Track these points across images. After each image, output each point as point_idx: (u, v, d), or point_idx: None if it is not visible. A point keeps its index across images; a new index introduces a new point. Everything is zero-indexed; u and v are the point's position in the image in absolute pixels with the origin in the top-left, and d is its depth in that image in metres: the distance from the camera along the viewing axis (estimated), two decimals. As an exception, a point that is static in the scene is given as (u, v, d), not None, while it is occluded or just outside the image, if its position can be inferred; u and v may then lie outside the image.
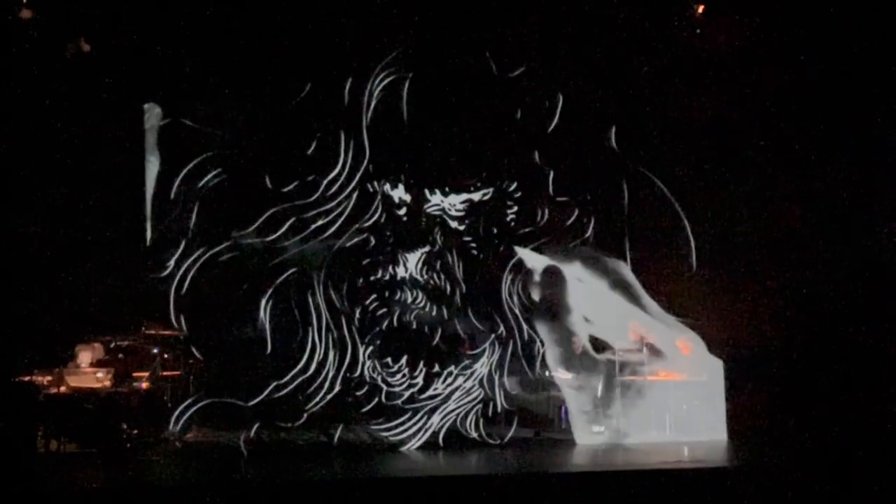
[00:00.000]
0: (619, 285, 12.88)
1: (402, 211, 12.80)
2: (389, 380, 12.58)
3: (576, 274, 12.90)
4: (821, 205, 13.95)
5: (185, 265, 12.24)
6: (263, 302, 12.32)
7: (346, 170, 12.47)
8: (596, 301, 12.93)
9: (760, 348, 13.61)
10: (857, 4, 13.49)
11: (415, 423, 12.57)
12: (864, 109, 13.76)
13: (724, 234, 13.77)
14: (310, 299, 12.42)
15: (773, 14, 13.60)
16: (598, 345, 13.01)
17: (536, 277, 12.88)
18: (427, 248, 12.80)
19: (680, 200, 13.30)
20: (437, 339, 12.79)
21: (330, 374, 12.38)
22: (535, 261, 12.89)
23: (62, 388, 12.23)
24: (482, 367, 12.86)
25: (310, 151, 12.41)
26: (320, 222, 12.43)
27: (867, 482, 10.97)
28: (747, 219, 14.03)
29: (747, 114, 13.77)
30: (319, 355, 12.36)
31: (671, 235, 13.33)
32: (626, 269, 12.95)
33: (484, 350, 12.86)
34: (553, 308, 12.73)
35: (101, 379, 12.39)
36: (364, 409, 12.51)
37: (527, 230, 13.03)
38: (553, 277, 12.78)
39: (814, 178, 13.86)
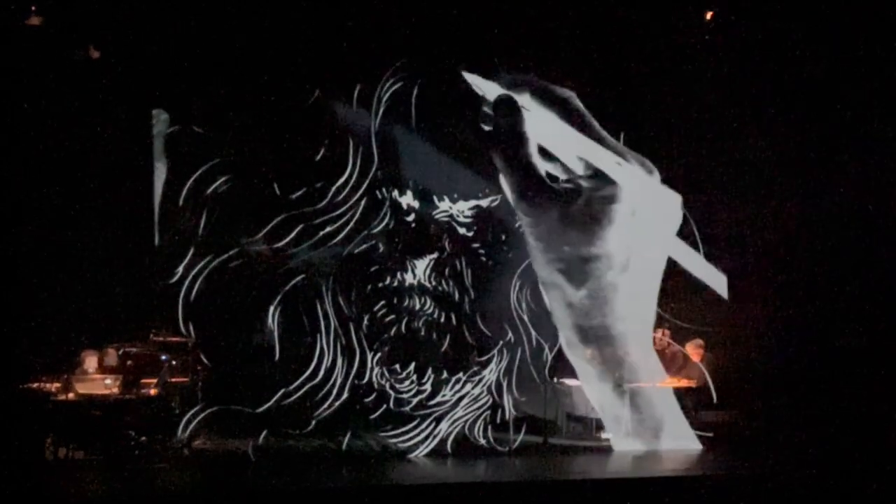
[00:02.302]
0: (570, 114, 12.32)
1: (411, 217, 12.78)
2: (398, 386, 12.57)
3: (524, 102, 12.31)
4: (821, 205, 13.92)
5: (194, 272, 12.23)
6: (272, 309, 12.32)
7: (355, 176, 12.46)
8: (546, 130, 12.39)
9: (760, 350, 13.61)
10: (857, 5, 13.48)
11: (423, 430, 12.55)
12: (863, 109, 13.74)
13: (727, 238, 13.75)
14: (318, 306, 12.42)
15: (777, 17, 13.58)
16: (554, 175, 12.52)
17: (487, 107, 12.35)
18: (435, 255, 12.79)
19: (686, 205, 13.27)
20: (445, 345, 12.79)
21: (338, 381, 12.37)
22: (487, 88, 12.39)
23: (70, 395, 12.22)
24: (490, 374, 12.84)
25: (318, 158, 12.41)
26: (328, 229, 12.42)
27: (868, 484, 10.95)
28: (751, 221, 14.02)
29: (752, 118, 13.75)
30: (328, 362, 12.36)
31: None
32: (576, 100, 12.40)
33: (492, 357, 12.84)
34: (508, 137, 12.17)
35: (109, 385, 12.36)
36: (372, 416, 12.49)
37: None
38: (506, 106, 12.21)
39: (814, 179, 13.85)
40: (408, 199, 12.77)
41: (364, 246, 12.60)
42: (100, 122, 12.77)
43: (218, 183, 12.28)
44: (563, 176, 12.41)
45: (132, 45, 12.63)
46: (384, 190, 12.67)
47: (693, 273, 12.76)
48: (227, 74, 12.41)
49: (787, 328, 13.72)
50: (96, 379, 12.46)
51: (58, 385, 12.27)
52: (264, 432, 12.15)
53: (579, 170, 12.32)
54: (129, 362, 12.79)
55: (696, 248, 13.08)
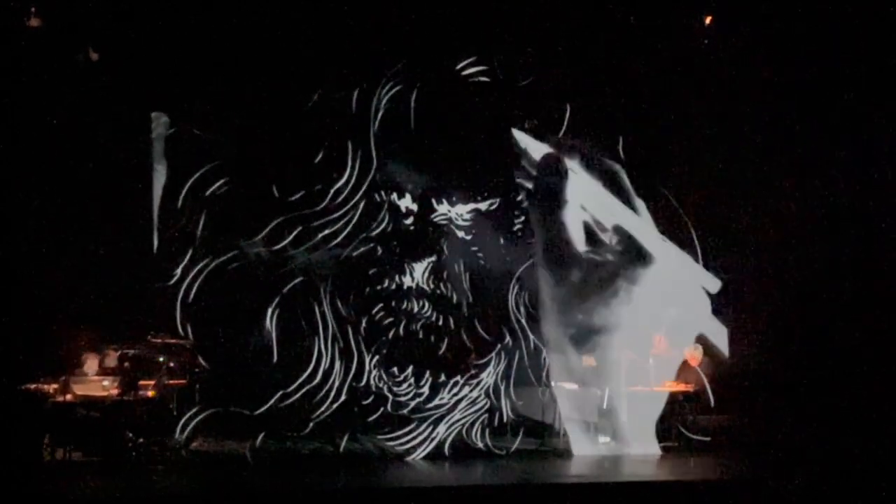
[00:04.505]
0: (615, 187, 12.44)
1: (409, 220, 12.79)
2: (395, 389, 12.58)
3: (572, 166, 12.49)
4: (820, 205, 13.93)
5: (192, 274, 12.24)
6: (270, 311, 12.32)
7: (354, 179, 12.46)
8: (590, 197, 12.53)
9: (759, 354, 13.61)
10: (857, 5, 13.50)
11: (421, 433, 12.55)
12: (863, 109, 13.76)
13: (728, 241, 13.76)
14: (316, 308, 12.42)
15: (776, 18, 13.61)
16: (589, 234, 12.63)
17: (532, 164, 12.52)
18: (434, 258, 12.79)
19: (687, 210, 13.28)
20: (443, 348, 12.80)
21: (336, 384, 12.37)
22: (534, 146, 12.54)
23: (68, 396, 12.22)
24: (488, 377, 12.84)
25: (317, 160, 12.42)
26: (327, 231, 12.42)
27: (869, 486, 10.96)
28: (751, 222, 14.03)
29: (752, 119, 13.77)
30: (326, 364, 12.36)
31: (678, 245, 13.29)
32: (623, 174, 12.55)
33: (490, 360, 12.84)
34: (551, 197, 12.34)
35: (106, 387, 12.37)
36: (370, 419, 12.50)
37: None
38: (553, 165, 12.38)
39: (813, 179, 13.86)
40: (406, 202, 12.77)
41: (362, 248, 12.60)
42: (99, 124, 12.78)
43: (217, 185, 12.29)
44: (594, 244, 12.57)
45: (132, 47, 12.65)
46: (383, 192, 12.67)
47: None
48: (227, 77, 12.42)
49: (786, 329, 13.71)
50: (94, 380, 12.47)
51: (56, 386, 12.27)
52: (262, 434, 12.16)
53: (613, 242, 12.45)
54: (126, 364, 12.77)
55: (694, 250, 13.13)
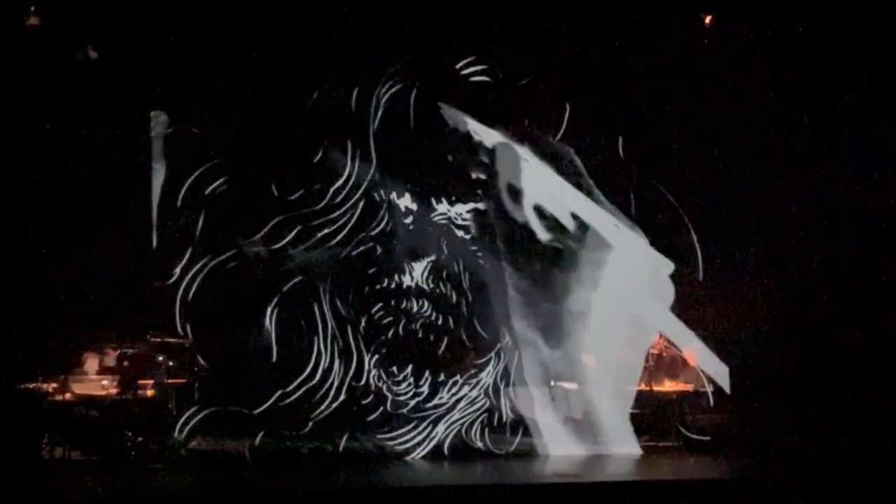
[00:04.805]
0: (568, 171, 12.40)
1: (409, 220, 12.78)
2: (395, 389, 12.58)
3: (524, 154, 12.43)
4: (820, 204, 13.92)
5: (191, 273, 12.25)
6: (269, 310, 12.32)
7: (353, 178, 12.47)
8: (542, 183, 12.49)
9: (761, 353, 13.60)
10: (857, 5, 13.50)
11: (420, 433, 12.57)
12: (863, 109, 13.75)
13: (728, 243, 13.75)
14: (315, 308, 12.43)
15: (776, 18, 13.60)
16: (547, 230, 12.57)
17: (484, 154, 12.45)
18: (433, 257, 12.79)
19: (687, 210, 13.28)
20: (442, 348, 12.79)
21: (335, 383, 12.37)
22: (485, 135, 12.47)
23: (67, 396, 12.23)
24: (487, 377, 12.84)
25: (316, 160, 12.42)
26: (326, 231, 12.43)
27: (869, 486, 10.95)
28: (750, 221, 14.01)
29: (752, 119, 13.76)
30: (325, 364, 12.36)
31: (678, 245, 13.29)
32: (575, 157, 12.50)
33: (489, 359, 12.84)
34: (504, 187, 12.28)
35: (106, 386, 12.39)
36: (369, 418, 12.49)
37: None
38: (506, 154, 12.30)
39: (813, 179, 13.85)
40: (406, 202, 12.77)
41: (362, 248, 12.61)
42: (98, 123, 12.75)
43: (216, 184, 12.31)
44: (555, 231, 12.46)
45: (131, 45, 12.64)
46: (382, 192, 12.68)
47: (690, 358, 12.91)
48: (226, 76, 12.42)
49: (786, 329, 13.70)
50: (93, 380, 12.48)
51: (55, 385, 12.27)
52: (261, 433, 12.16)
53: (571, 228, 12.34)
54: (126, 363, 12.77)
55: (693, 252, 13.12)
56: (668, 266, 12.50)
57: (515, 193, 12.24)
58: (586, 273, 12.19)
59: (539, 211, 12.41)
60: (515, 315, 12.47)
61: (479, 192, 12.66)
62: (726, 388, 13.03)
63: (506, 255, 12.36)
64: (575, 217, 12.36)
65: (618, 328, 12.41)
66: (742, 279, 13.84)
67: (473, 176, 12.57)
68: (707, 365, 12.99)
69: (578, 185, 12.39)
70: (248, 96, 12.50)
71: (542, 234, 12.26)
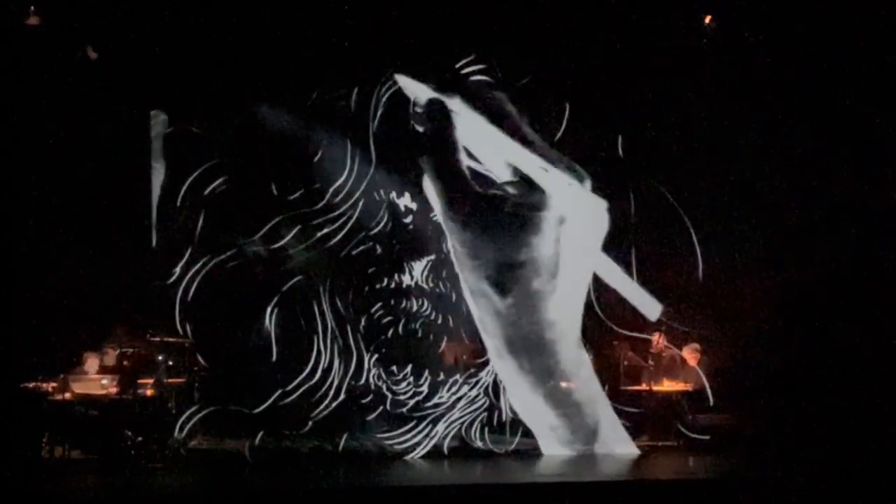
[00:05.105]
0: (500, 118, 12.24)
1: (409, 219, 12.79)
2: (394, 388, 12.56)
3: (454, 106, 12.27)
4: (820, 204, 13.93)
5: (191, 272, 12.23)
6: (269, 309, 12.31)
7: (353, 178, 12.47)
8: (475, 134, 12.35)
9: (758, 352, 13.61)
10: (857, 5, 13.50)
11: (420, 432, 12.55)
12: (863, 109, 13.75)
13: (728, 243, 13.76)
14: (315, 307, 12.41)
15: (775, 18, 13.61)
16: (482, 179, 12.44)
17: (419, 108, 12.33)
18: (433, 257, 12.79)
19: (687, 210, 13.28)
20: (442, 347, 12.79)
21: (335, 382, 12.36)
22: (417, 90, 12.37)
23: (67, 395, 12.22)
24: (487, 376, 12.83)
25: (316, 159, 12.42)
26: (326, 230, 12.42)
27: (869, 486, 10.95)
28: (750, 221, 14.02)
29: (752, 119, 13.77)
30: (325, 363, 12.35)
31: (677, 245, 13.30)
32: (507, 103, 12.35)
33: (489, 359, 12.81)
34: (436, 142, 12.16)
35: (105, 385, 12.38)
36: (369, 417, 12.48)
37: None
38: (436, 110, 12.18)
39: (813, 179, 13.86)
40: (405, 201, 12.77)
41: (362, 247, 12.60)
42: (98, 123, 12.77)
43: (216, 183, 12.29)
44: (490, 181, 12.39)
45: (131, 45, 12.65)
46: (382, 192, 12.67)
47: (623, 294, 12.78)
48: (226, 75, 12.42)
49: (785, 329, 13.71)
50: (93, 379, 12.48)
51: (55, 385, 12.27)
52: (261, 433, 12.13)
53: (506, 176, 12.33)
54: (125, 362, 12.78)
55: (693, 252, 13.12)
56: (602, 204, 12.40)
57: (448, 147, 12.13)
58: (527, 218, 12.10)
59: (473, 160, 12.36)
60: (464, 269, 12.35)
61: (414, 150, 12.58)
62: (651, 315, 12.89)
63: (445, 212, 12.24)
64: (509, 164, 12.30)
65: (564, 271, 12.30)
66: (742, 279, 13.85)
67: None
68: (641, 304, 12.87)
69: (512, 131, 12.24)
70: (248, 96, 12.49)
71: (477, 186, 12.23)
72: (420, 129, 12.38)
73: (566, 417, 12.49)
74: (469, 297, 12.46)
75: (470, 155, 12.37)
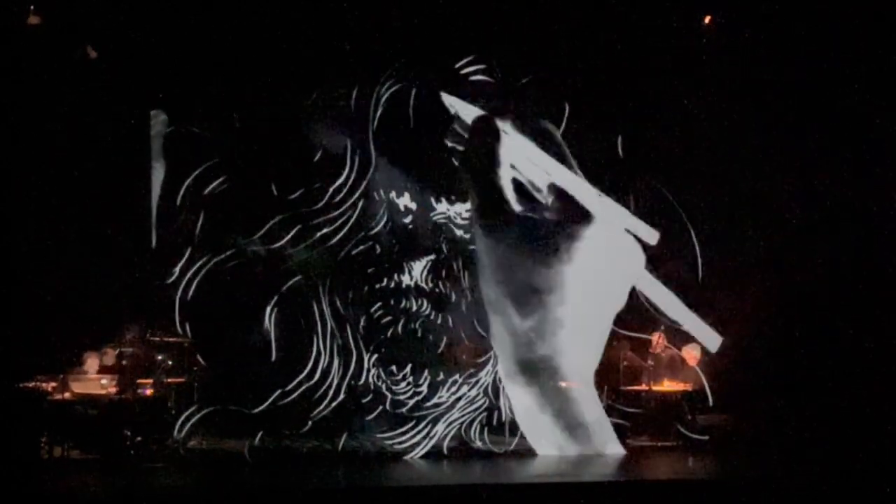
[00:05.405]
0: (548, 146, 12.18)
1: (408, 219, 12.79)
2: (394, 388, 12.56)
3: (504, 127, 12.19)
4: (820, 204, 13.92)
5: (191, 272, 12.22)
6: (268, 309, 12.30)
7: (353, 177, 12.47)
8: (522, 156, 12.27)
9: (758, 353, 13.61)
10: (857, 5, 13.50)
11: (419, 432, 12.54)
12: (863, 109, 13.75)
13: (728, 243, 13.76)
14: (315, 307, 12.41)
15: (775, 18, 13.61)
16: (524, 201, 12.29)
17: (464, 128, 12.28)
18: (433, 257, 12.79)
19: (687, 210, 13.27)
20: (442, 347, 12.79)
21: (334, 382, 12.36)
22: (466, 112, 12.31)
23: (66, 394, 12.23)
24: (487, 376, 12.83)
25: (316, 159, 12.42)
26: (326, 230, 12.42)
27: (869, 486, 10.94)
28: (750, 222, 14.02)
29: (752, 119, 13.76)
30: (324, 363, 12.35)
31: (677, 245, 13.29)
32: (556, 133, 12.34)
33: (489, 359, 12.82)
34: (483, 157, 12.09)
35: (105, 385, 12.39)
36: (368, 417, 12.47)
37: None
38: (484, 126, 12.10)
39: (813, 179, 13.86)
40: (405, 201, 12.76)
41: (361, 247, 12.60)
42: (98, 123, 12.77)
43: (215, 183, 12.28)
44: (532, 203, 12.29)
45: (131, 45, 12.65)
46: (382, 191, 12.67)
47: (682, 325, 12.67)
48: (226, 75, 12.43)
49: (785, 329, 13.71)
50: (92, 378, 12.49)
51: (54, 385, 12.27)
52: (260, 433, 12.13)
53: (548, 201, 12.26)
54: (125, 362, 12.79)
55: (693, 252, 13.12)
56: (653, 235, 12.26)
57: (491, 164, 12.07)
58: (563, 245, 12.07)
59: (516, 181, 12.28)
60: (486, 281, 12.29)
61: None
62: (712, 347, 12.75)
63: (478, 222, 12.22)
64: (552, 189, 12.28)
65: (594, 302, 12.24)
66: (742, 279, 13.84)
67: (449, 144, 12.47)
68: (700, 335, 12.76)
69: (559, 158, 12.25)
70: (248, 96, 12.49)
71: (517, 205, 12.17)
72: (461, 144, 12.36)
73: (574, 438, 12.40)
74: (489, 312, 12.40)
75: (516, 171, 12.27)
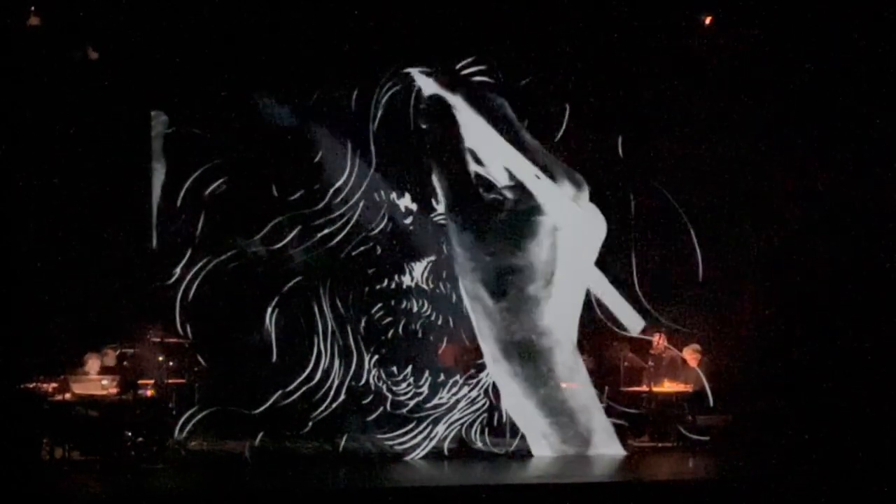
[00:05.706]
0: (498, 122, 12.31)
1: (409, 220, 12.79)
2: (395, 389, 12.57)
3: (455, 102, 12.36)
4: (820, 205, 13.92)
5: (191, 273, 12.23)
6: (269, 310, 12.31)
7: (353, 178, 12.47)
8: (476, 136, 12.43)
9: (758, 353, 13.61)
10: (857, 5, 13.50)
11: (420, 433, 12.54)
12: (863, 109, 13.75)
13: (728, 243, 13.76)
14: (315, 308, 12.42)
15: (775, 18, 13.61)
16: (482, 182, 12.52)
17: (425, 103, 12.44)
18: (433, 257, 12.80)
19: (687, 210, 13.28)
20: (442, 348, 12.79)
21: (335, 383, 12.36)
22: (424, 84, 12.42)
23: (67, 396, 12.21)
24: (487, 377, 12.82)
25: (316, 160, 12.42)
26: (326, 231, 12.43)
27: (869, 486, 10.95)
28: (750, 222, 14.02)
29: (752, 119, 13.77)
30: (325, 364, 12.35)
31: (678, 246, 13.30)
32: (507, 108, 12.41)
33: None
34: (444, 140, 12.26)
35: (106, 386, 12.37)
36: (369, 418, 12.48)
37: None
38: (437, 107, 12.26)
39: (813, 179, 13.86)
40: (406, 202, 12.77)
41: (362, 248, 12.61)
42: (98, 123, 12.75)
43: (216, 184, 12.29)
44: (490, 185, 12.41)
45: (131, 46, 12.64)
46: (382, 192, 12.67)
47: (610, 310, 12.74)
48: (226, 76, 12.43)
49: (785, 330, 13.71)
50: (93, 380, 12.46)
51: (55, 386, 12.26)
52: (261, 433, 12.14)
53: (504, 180, 12.34)
54: (126, 363, 12.80)
55: (693, 252, 13.12)
56: (597, 212, 12.48)
57: (455, 146, 12.19)
58: (521, 224, 12.16)
59: (478, 164, 12.40)
60: (462, 271, 12.45)
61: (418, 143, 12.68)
62: (633, 330, 12.86)
63: (449, 211, 12.36)
64: (506, 169, 12.34)
65: (559, 278, 12.36)
66: (742, 280, 13.85)
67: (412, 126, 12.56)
68: (624, 316, 12.84)
69: (509, 135, 12.30)
70: (248, 96, 12.49)
71: (479, 189, 12.26)
72: (425, 127, 12.40)
73: (558, 426, 12.48)
74: (466, 299, 12.51)
75: (475, 158, 12.40)
